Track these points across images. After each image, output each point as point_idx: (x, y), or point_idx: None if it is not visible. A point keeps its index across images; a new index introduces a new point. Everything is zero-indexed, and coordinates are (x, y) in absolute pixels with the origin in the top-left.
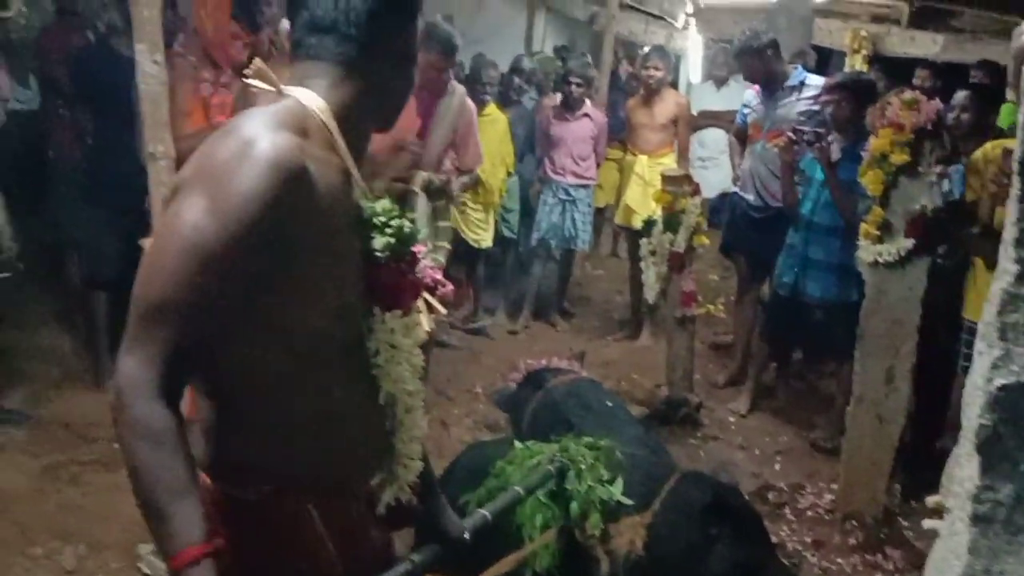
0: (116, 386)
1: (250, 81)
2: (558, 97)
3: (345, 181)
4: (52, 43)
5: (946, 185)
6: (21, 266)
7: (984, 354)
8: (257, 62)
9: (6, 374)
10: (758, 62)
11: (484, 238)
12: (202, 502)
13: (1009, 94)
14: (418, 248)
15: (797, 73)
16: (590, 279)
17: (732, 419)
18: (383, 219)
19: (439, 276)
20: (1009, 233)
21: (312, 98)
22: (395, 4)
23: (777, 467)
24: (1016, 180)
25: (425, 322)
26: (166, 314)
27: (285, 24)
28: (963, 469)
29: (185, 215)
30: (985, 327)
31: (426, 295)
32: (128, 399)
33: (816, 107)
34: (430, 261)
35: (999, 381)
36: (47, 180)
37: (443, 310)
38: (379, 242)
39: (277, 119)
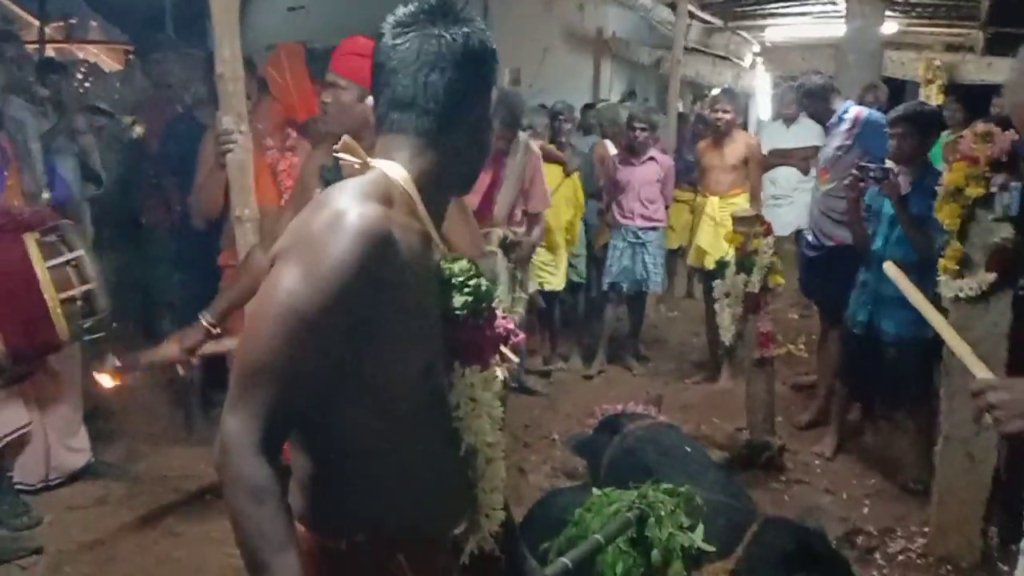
0: (220, 444)
1: (340, 155)
2: (608, 144)
3: (426, 244)
4: (147, 116)
5: (1006, 199)
6: (115, 326)
7: None
8: (346, 138)
9: (106, 430)
10: (802, 105)
11: (551, 281)
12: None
13: None
14: (494, 304)
15: (841, 107)
16: (665, 321)
17: (817, 462)
18: (461, 279)
19: (511, 326)
20: None
21: (396, 169)
22: (470, 80)
23: (866, 510)
24: None
25: (499, 372)
26: (265, 376)
27: (369, 100)
28: None
29: (282, 283)
30: None
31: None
32: (231, 457)
33: (849, 141)
34: (510, 314)
35: None
36: (140, 244)
37: (515, 359)
38: (458, 301)
39: (364, 191)
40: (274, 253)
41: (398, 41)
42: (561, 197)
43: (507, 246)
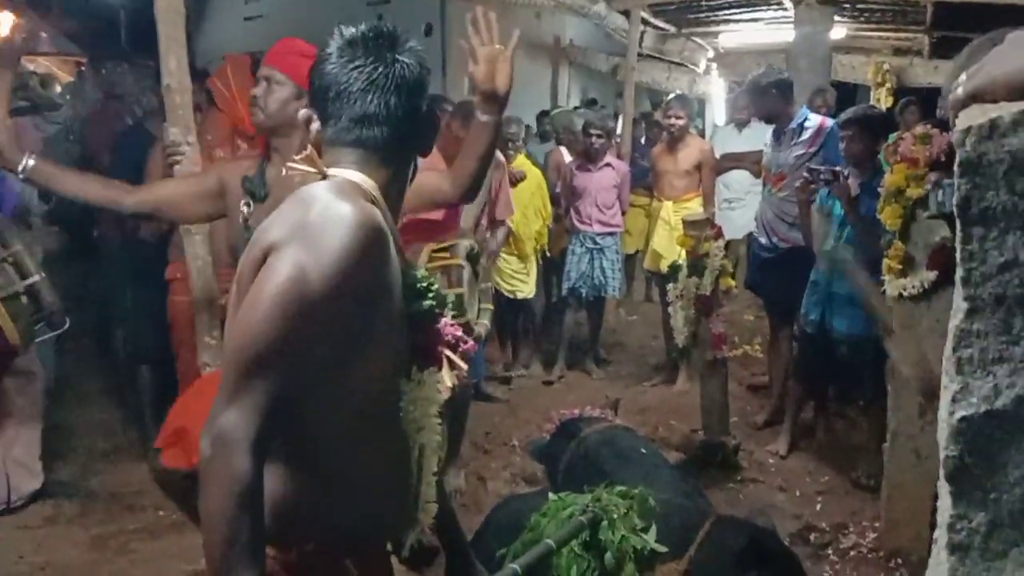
0: (216, 437)
1: (296, 166)
2: (563, 150)
3: (398, 248)
4: (97, 127)
5: (940, 196)
6: (67, 321)
7: (947, 388)
8: (309, 151)
9: (57, 448)
10: (762, 101)
11: (521, 288)
12: None
13: None
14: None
15: (800, 114)
16: (625, 325)
17: (772, 460)
18: (424, 285)
19: (459, 332)
20: (958, 273)
21: (360, 177)
22: (423, 100)
23: (819, 507)
24: (958, 224)
25: (447, 378)
26: (268, 364)
27: (305, 113)
28: (942, 500)
29: (284, 270)
30: (945, 362)
31: (448, 353)
32: (228, 450)
33: (813, 149)
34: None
35: (960, 413)
36: (93, 259)
37: (464, 366)
38: (424, 305)
39: (346, 189)
40: (268, 244)
41: (358, 63)
42: (531, 208)
43: (473, 258)
